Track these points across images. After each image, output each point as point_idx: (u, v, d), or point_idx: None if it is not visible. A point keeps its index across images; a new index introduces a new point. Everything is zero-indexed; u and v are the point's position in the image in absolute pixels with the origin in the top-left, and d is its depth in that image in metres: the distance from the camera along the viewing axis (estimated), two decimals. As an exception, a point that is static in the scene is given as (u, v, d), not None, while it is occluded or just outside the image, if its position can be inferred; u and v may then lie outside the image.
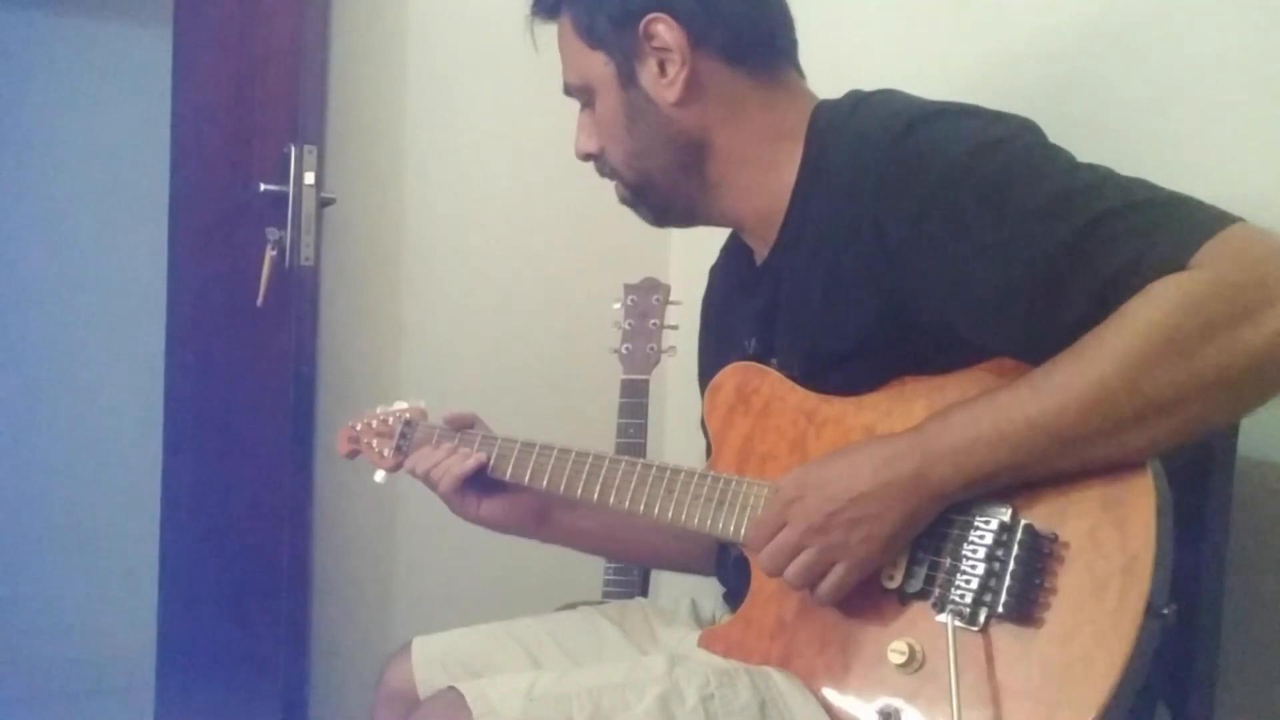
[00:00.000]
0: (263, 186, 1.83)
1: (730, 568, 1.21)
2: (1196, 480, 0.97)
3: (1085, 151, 0.95)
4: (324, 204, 1.86)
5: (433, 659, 1.25)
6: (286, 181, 1.82)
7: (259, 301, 1.81)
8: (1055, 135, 0.98)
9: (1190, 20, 1.23)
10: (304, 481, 1.97)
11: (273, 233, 1.82)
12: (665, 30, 1.09)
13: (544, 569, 1.92)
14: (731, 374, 1.16)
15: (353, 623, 2.08)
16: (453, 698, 1.01)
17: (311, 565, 2.02)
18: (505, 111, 2.17)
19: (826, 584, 0.96)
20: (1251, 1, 1.16)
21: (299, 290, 1.86)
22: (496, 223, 2.19)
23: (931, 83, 1.08)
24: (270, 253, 1.81)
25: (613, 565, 1.72)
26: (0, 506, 2.92)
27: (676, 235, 2.22)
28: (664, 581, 2.02)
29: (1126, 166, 0.93)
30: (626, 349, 1.67)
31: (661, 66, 1.11)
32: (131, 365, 2.77)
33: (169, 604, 2.04)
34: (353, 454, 1.42)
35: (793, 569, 0.97)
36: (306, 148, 1.82)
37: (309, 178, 1.82)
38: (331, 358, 2.03)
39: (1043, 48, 1.41)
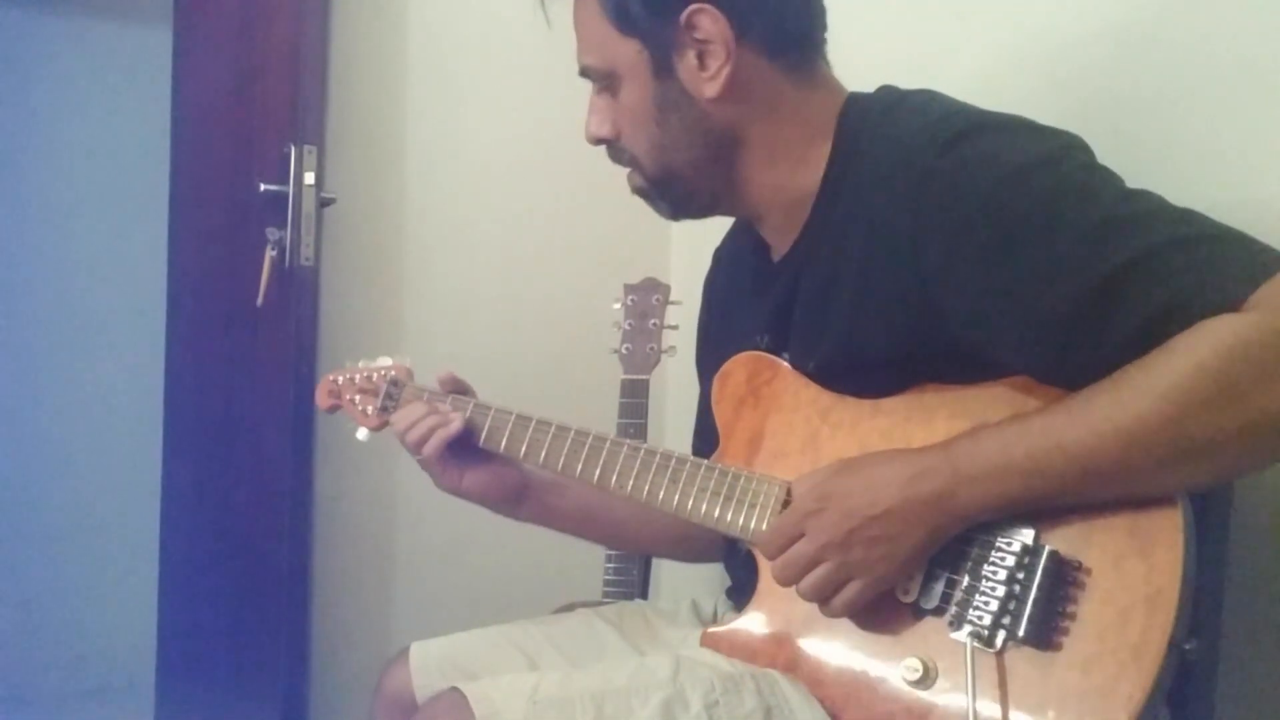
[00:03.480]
0: (263, 186, 1.83)
1: (739, 562, 1.19)
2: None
3: (1095, 153, 0.94)
4: (324, 204, 1.86)
5: (431, 664, 1.23)
6: (286, 181, 1.82)
7: (259, 301, 1.81)
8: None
9: (1201, 23, 1.22)
10: (304, 481, 1.97)
11: (273, 233, 1.82)
12: (710, 22, 1.03)
13: (543, 570, 1.92)
14: (742, 363, 1.13)
15: (352, 624, 2.08)
16: (455, 699, 1.00)
17: (311, 565, 2.02)
18: (505, 111, 2.16)
19: (840, 600, 0.94)
20: (1263, 4, 1.16)
21: (299, 290, 1.86)
22: (496, 223, 2.19)
23: (937, 82, 1.06)
24: (270, 253, 1.81)
25: (612, 565, 1.72)
26: (1, 506, 2.92)
27: (677, 236, 2.21)
28: (664, 582, 2.02)
29: (1135, 169, 0.92)
30: (626, 349, 1.67)
31: (701, 59, 1.04)
32: (131, 365, 2.77)
33: (169, 603, 2.04)
34: (333, 409, 1.37)
35: (808, 582, 0.95)
36: (306, 148, 1.82)
37: (309, 178, 1.82)
38: (331, 358, 2.03)
39: (1043, 49, 1.40)
